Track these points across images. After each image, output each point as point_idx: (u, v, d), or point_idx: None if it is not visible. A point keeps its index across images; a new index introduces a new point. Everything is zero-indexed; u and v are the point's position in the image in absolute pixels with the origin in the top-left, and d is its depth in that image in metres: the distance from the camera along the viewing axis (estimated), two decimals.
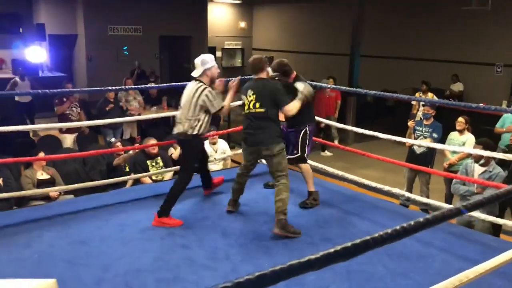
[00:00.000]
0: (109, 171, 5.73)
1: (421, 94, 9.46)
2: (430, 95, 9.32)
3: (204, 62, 4.05)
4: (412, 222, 1.30)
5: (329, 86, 6.16)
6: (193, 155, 4.14)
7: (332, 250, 1.17)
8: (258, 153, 4.03)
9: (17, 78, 10.04)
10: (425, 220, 1.35)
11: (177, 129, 4.07)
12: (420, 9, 13.10)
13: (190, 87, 4.05)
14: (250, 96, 3.94)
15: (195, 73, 4.08)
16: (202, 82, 4.03)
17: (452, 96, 11.95)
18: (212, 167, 6.36)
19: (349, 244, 1.19)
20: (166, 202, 3.95)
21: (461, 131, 6.02)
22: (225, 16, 18.01)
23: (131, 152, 5.69)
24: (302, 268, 1.12)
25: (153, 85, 10.73)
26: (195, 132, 3.97)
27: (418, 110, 9.22)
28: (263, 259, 3.41)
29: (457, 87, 12.25)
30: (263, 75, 4.06)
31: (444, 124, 6.05)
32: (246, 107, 3.96)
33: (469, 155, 5.58)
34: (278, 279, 1.09)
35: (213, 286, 0.97)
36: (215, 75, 4.12)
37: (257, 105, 3.89)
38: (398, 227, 1.28)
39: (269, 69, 4.30)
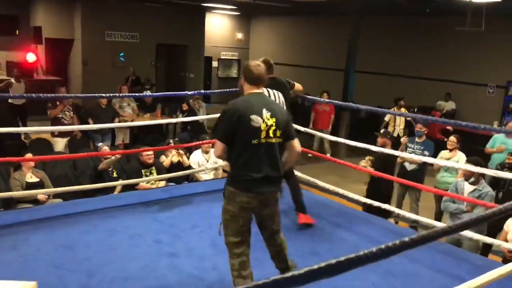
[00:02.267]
0: (96, 175, 5.69)
1: (394, 109, 9.77)
2: (402, 110, 9.68)
3: None
4: (397, 242, 1.30)
5: (322, 100, 6.22)
6: None
7: (316, 266, 1.16)
8: (267, 204, 2.93)
9: (12, 79, 10.00)
10: (410, 240, 1.35)
11: None
12: (416, 27, 13.25)
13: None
14: (268, 119, 2.83)
15: None
16: None
17: (445, 114, 12.03)
18: (203, 176, 6.36)
19: (333, 261, 1.18)
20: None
21: (451, 150, 6.07)
22: (222, 26, 18.10)
23: (113, 157, 5.66)
24: (286, 283, 1.12)
25: (148, 92, 10.75)
26: None
27: (394, 127, 9.59)
28: (252, 270, 3.38)
29: (450, 105, 12.36)
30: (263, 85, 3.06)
31: (435, 142, 6.10)
32: (263, 135, 2.80)
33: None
34: None
35: None
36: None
37: (278, 133, 2.86)
38: (383, 246, 1.27)
39: None
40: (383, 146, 5.41)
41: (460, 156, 5.96)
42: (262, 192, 2.85)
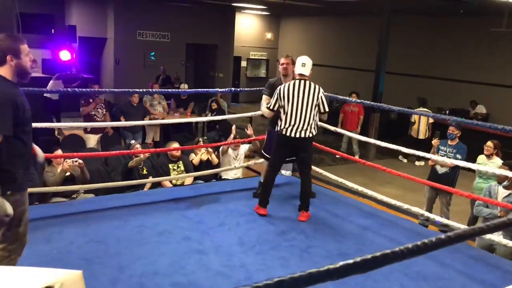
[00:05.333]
0: (126, 172, 5.77)
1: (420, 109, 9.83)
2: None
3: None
4: (433, 239, 1.29)
5: (353, 100, 6.13)
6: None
7: (351, 261, 1.17)
8: None
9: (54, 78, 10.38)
10: (446, 238, 1.34)
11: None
12: (448, 28, 12.98)
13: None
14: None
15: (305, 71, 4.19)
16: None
17: (477, 118, 11.75)
18: (231, 173, 6.40)
19: (368, 256, 1.19)
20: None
21: (488, 156, 5.87)
22: (252, 26, 18.15)
23: (142, 156, 5.73)
24: (320, 277, 1.13)
25: (186, 87, 10.96)
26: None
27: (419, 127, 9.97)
28: (278, 269, 3.39)
29: (480, 109, 12.06)
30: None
31: (468, 146, 5.94)
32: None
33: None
34: (296, 287, 1.09)
35: None
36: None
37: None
38: (418, 243, 1.27)
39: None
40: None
41: (497, 163, 5.76)
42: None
